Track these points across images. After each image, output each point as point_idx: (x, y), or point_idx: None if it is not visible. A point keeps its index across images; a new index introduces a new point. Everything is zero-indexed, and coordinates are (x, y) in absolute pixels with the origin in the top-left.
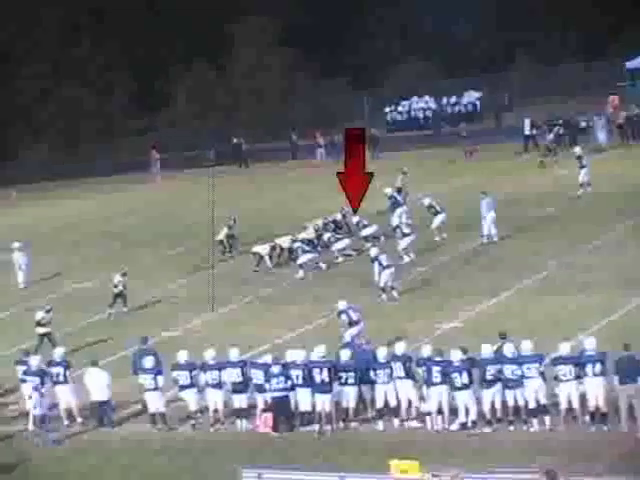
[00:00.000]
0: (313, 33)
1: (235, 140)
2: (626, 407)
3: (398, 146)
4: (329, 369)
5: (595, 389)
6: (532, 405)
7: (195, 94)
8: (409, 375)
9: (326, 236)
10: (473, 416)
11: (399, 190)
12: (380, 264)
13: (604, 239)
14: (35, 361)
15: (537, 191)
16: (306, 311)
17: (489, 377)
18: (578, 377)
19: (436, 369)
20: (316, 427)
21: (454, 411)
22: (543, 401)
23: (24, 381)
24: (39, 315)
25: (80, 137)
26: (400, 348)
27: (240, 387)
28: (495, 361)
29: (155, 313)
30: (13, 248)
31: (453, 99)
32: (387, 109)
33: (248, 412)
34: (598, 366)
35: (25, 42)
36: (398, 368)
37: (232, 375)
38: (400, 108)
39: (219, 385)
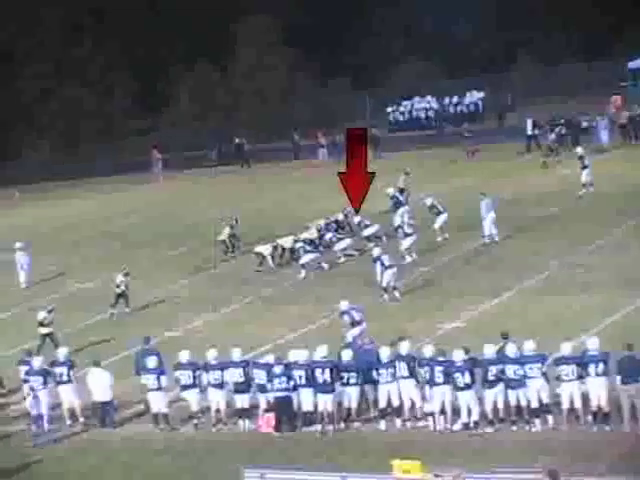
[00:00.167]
0: (315, 33)
1: (237, 140)
2: (628, 407)
3: (400, 146)
4: (331, 369)
5: (597, 389)
6: (534, 405)
7: (196, 94)
8: (412, 375)
9: (328, 236)
10: (475, 416)
11: (401, 190)
12: (382, 264)
13: (606, 239)
14: (37, 361)
15: (539, 191)
16: (308, 311)
17: (491, 377)
18: (580, 377)
19: (438, 369)
20: (318, 427)
21: (456, 411)
22: (546, 401)
23: (26, 381)
24: (41, 315)
25: (81, 137)
26: (404, 348)
27: (242, 387)
28: (497, 361)
29: (157, 313)
30: (15, 248)
31: (455, 99)
32: (389, 109)
33: (250, 412)
34: (601, 366)
35: (27, 42)
36: (402, 368)
37: (234, 375)
38: (402, 108)
39: (221, 385)
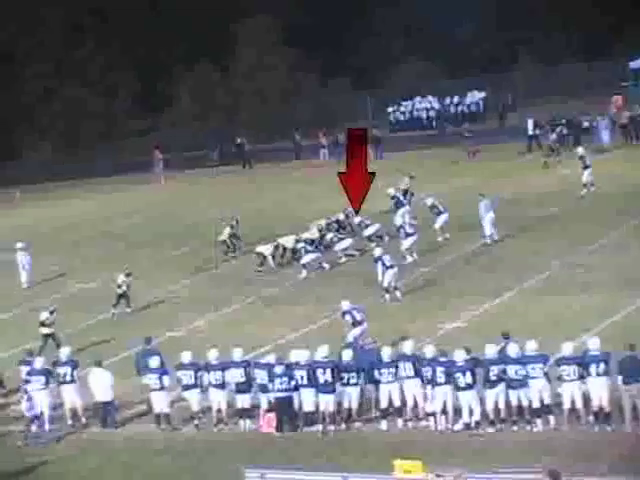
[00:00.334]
0: (315, 33)
1: (238, 140)
2: (630, 407)
3: (401, 146)
4: (332, 369)
5: (598, 389)
6: (536, 405)
7: (197, 94)
8: (418, 374)
9: (329, 236)
10: (477, 416)
11: (405, 192)
12: (383, 264)
13: (607, 239)
14: (39, 362)
15: (540, 191)
16: (309, 311)
17: (493, 377)
18: (581, 377)
19: (440, 369)
20: (319, 427)
21: (458, 411)
22: (547, 401)
23: (27, 381)
24: (43, 316)
25: (83, 137)
26: (408, 348)
27: (243, 387)
28: (498, 361)
29: (158, 313)
30: (16, 248)
31: (456, 99)
32: (389, 109)
33: (251, 412)
34: (602, 366)
35: (28, 42)
36: (407, 368)
37: (235, 375)
38: (402, 108)
39: (222, 385)
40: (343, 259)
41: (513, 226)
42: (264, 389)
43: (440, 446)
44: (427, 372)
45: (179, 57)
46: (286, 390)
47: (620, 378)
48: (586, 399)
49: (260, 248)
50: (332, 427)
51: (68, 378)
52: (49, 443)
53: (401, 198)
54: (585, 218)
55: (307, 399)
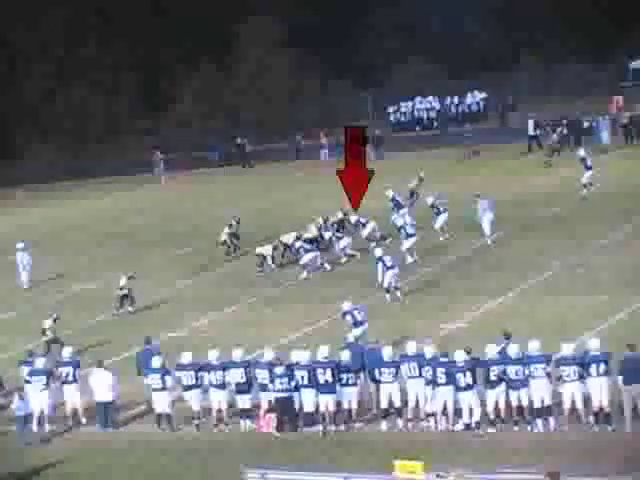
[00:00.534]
0: (317, 33)
1: (239, 140)
2: (630, 407)
3: (402, 146)
4: (332, 370)
5: (599, 389)
6: (537, 405)
7: (200, 94)
8: (422, 374)
9: (327, 234)
10: (477, 417)
11: (412, 192)
12: (384, 265)
13: (609, 239)
14: (40, 362)
15: (542, 191)
16: (310, 311)
17: (493, 377)
18: (582, 377)
19: (440, 370)
20: (320, 427)
21: (458, 411)
22: (548, 402)
23: (28, 382)
24: (47, 323)
25: (87, 137)
26: (412, 348)
27: (244, 387)
28: (499, 361)
29: (161, 313)
30: (17, 248)
31: (457, 99)
32: (391, 109)
33: (252, 412)
34: (602, 366)
35: (32, 42)
36: (412, 368)
37: (236, 375)
38: (403, 108)
39: (223, 385)
40: (344, 259)
41: (515, 226)
42: (265, 388)
43: (440, 446)
44: (427, 372)
45: (182, 57)
46: (286, 390)
47: (620, 378)
48: (586, 399)
49: (259, 249)
50: (332, 427)
51: (70, 378)
52: (42, 443)
53: (399, 200)
54: (587, 218)
55: (307, 399)
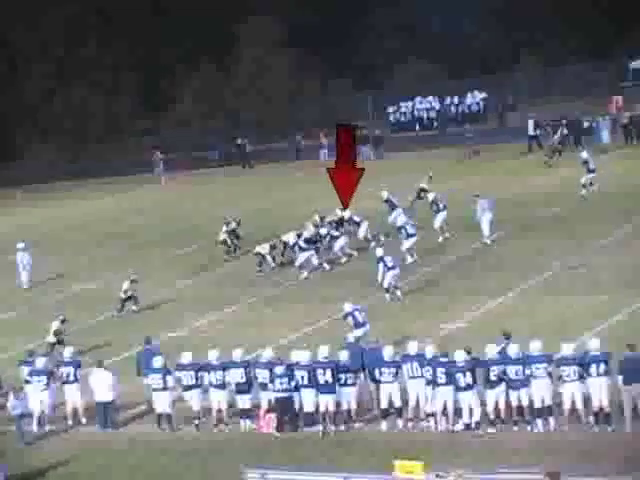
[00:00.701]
0: (316, 34)
1: (239, 141)
2: (630, 407)
3: (402, 146)
4: (332, 370)
5: (599, 389)
6: (538, 405)
7: (200, 95)
8: (423, 375)
9: (324, 231)
10: (477, 417)
11: (422, 190)
12: (385, 265)
13: (609, 239)
14: (40, 362)
15: (542, 191)
16: (310, 311)
17: (493, 377)
18: (582, 377)
19: (440, 370)
20: (320, 428)
21: (458, 412)
22: (549, 402)
23: (28, 382)
24: (55, 325)
25: (87, 137)
26: (413, 348)
27: (244, 387)
28: (499, 361)
29: (161, 313)
30: (17, 248)
31: (456, 99)
32: (390, 109)
33: (252, 412)
34: (602, 366)
35: (32, 42)
36: (414, 368)
37: (236, 376)
38: (403, 109)
39: (223, 386)
40: (343, 259)
41: (515, 226)
42: (266, 388)
43: (440, 446)
44: (427, 372)
45: (182, 57)
46: (286, 390)
47: (620, 378)
48: (586, 399)
49: (258, 248)
50: (332, 427)
51: (71, 378)
52: (37, 441)
53: (394, 201)
54: (587, 218)
55: (308, 399)
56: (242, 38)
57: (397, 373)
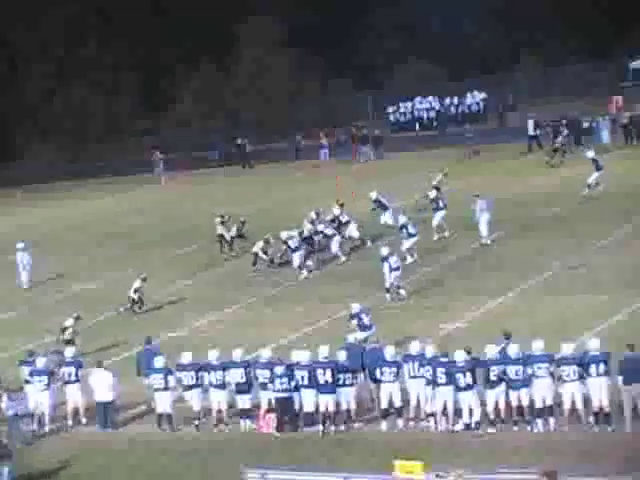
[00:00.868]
0: (316, 34)
1: (239, 141)
2: (630, 407)
3: (402, 146)
4: (332, 370)
5: (599, 389)
6: (539, 405)
7: (200, 95)
8: (424, 375)
9: (320, 227)
10: (477, 417)
11: (437, 188)
12: (390, 265)
13: (609, 239)
14: (41, 362)
15: (542, 191)
16: (310, 311)
17: (493, 377)
18: (582, 377)
19: (440, 370)
20: (320, 427)
21: (458, 412)
22: (550, 402)
23: (29, 382)
24: (69, 322)
25: (87, 137)
26: (415, 348)
27: (244, 387)
28: (499, 361)
29: (161, 313)
30: (17, 248)
31: (456, 100)
32: (390, 109)
33: (252, 412)
34: (602, 366)
35: (32, 42)
36: (415, 368)
37: (236, 375)
38: (403, 109)
39: (223, 386)
40: (343, 259)
41: (515, 226)
42: (266, 387)
43: (440, 446)
44: (427, 372)
45: (182, 57)
46: (286, 390)
47: (620, 378)
48: (586, 399)
49: (254, 248)
50: (332, 427)
51: (73, 378)
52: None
53: (383, 201)
54: (587, 218)
55: (308, 399)
56: (242, 38)
57: (398, 373)
